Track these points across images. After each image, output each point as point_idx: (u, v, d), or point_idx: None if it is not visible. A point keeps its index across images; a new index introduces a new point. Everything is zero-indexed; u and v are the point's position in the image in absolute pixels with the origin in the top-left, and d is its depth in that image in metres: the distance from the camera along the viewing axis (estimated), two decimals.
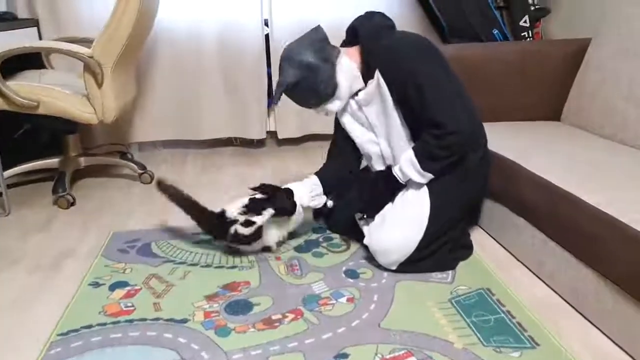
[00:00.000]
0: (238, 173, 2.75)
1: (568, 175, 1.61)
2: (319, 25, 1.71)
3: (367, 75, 1.70)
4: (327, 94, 1.68)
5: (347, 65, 1.69)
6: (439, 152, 1.61)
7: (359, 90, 1.73)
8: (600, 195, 1.45)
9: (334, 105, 1.73)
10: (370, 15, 1.74)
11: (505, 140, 1.95)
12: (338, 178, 1.93)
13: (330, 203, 1.92)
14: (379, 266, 1.74)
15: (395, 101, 1.66)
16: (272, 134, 3.21)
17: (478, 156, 1.73)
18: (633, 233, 1.28)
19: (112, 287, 1.64)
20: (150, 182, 2.58)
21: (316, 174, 1.92)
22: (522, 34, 2.55)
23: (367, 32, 1.69)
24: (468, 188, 1.77)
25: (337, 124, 1.92)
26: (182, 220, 2.12)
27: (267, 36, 2.96)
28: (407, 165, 1.66)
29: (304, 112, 3.05)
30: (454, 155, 1.62)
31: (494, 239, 1.97)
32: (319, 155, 2.91)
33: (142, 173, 2.57)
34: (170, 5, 2.79)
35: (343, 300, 1.58)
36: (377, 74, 1.66)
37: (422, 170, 1.64)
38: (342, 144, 1.92)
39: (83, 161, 2.52)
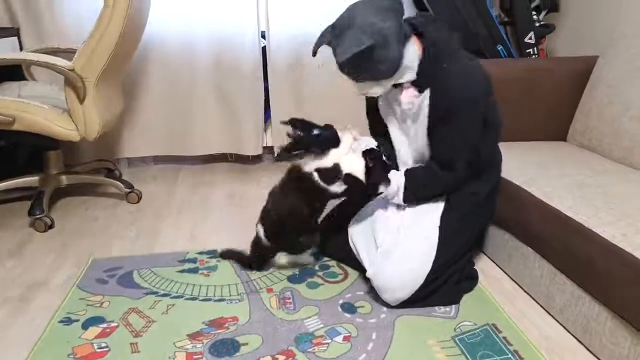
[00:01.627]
0: (232, 191, 2.63)
1: (579, 203, 1.50)
2: None
3: (416, 83, 1.55)
4: (386, 74, 1.47)
5: (413, 54, 1.50)
6: (431, 189, 1.62)
7: (401, 84, 1.57)
8: (614, 228, 1.35)
9: (381, 89, 1.54)
10: (439, 23, 1.57)
11: (511, 163, 1.84)
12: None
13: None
14: (378, 298, 1.62)
15: (428, 126, 1.56)
16: (269, 150, 3.10)
17: (491, 186, 1.66)
18: None
19: (86, 324, 1.52)
20: (138, 202, 2.46)
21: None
22: (528, 51, 2.46)
23: (434, 43, 1.51)
24: (478, 219, 1.69)
25: (372, 115, 1.80)
26: (171, 244, 2.02)
27: (263, 49, 2.86)
28: (392, 189, 1.63)
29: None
30: (439, 191, 1.64)
31: (500, 267, 1.86)
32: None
33: (129, 192, 2.45)
34: (161, 15, 2.69)
35: (339, 339, 1.46)
36: (427, 92, 1.53)
37: (401, 201, 1.64)
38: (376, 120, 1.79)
39: (65, 179, 2.39)
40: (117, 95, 2.40)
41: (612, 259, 1.29)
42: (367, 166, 1.61)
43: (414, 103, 1.56)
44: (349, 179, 1.62)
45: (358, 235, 1.74)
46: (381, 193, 1.64)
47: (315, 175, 1.64)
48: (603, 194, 1.55)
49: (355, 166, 1.62)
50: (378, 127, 1.78)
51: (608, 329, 1.33)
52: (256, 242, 1.79)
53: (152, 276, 1.78)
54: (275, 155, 1.72)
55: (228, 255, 1.89)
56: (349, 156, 1.63)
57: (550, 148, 2.07)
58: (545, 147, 2.08)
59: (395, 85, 1.57)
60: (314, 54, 1.53)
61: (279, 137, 3.00)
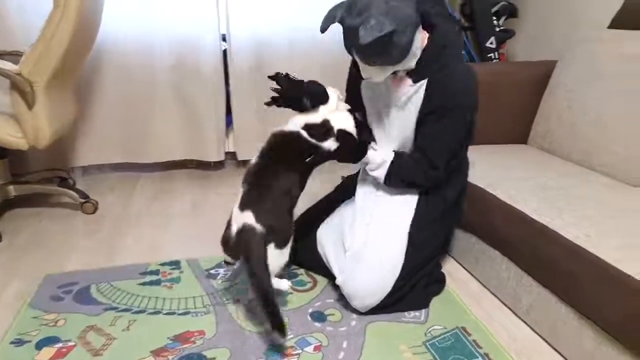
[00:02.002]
0: (193, 199, 2.56)
1: (542, 205, 1.52)
2: None
3: (411, 73, 1.52)
4: (395, 60, 1.41)
5: (419, 42, 1.47)
6: (414, 176, 1.59)
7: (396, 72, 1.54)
8: (577, 229, 1.37)
9: (384, 75, 1.48)
10: (448, 18, 1.57)
11: (475, 166, 1.85)
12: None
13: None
14: (348, 305, 1.60)
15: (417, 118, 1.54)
16: (232, 155, 3.04)
17: (459, 191, 1.68)
18: (615, 273, 1.20)
19: (40, 345, 1.42)
20: (94, 212, 2.35)
21: None
22: (489, 55, 2.49)
23: (440, 38, 1.49)
24: (446, 224, 1.70)
25: (352, 90, 1.75)
26: (131, 256, 1.94)
27: (224, 52, 2.80)
28: (378, 168, 1.61)
29: (266, 131, 2.91)
30: (419, 183, 1.62)
31: (467, 270, 1.87)
32: None
33: (85, 202, 2.34)
34: (117, 17, 2.59)
35: (309, 349, 1.43)
36: (423, 85, 1.51)
37: (383, 183, 1.62)
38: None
39: (13, 190, 2.26)
40: (69, 100, 2.29)
41: (576, 259, 1.31)
42: (356, 123, 1.57)
43: (406, 92, 1.54)
44: (342, 134, 1.55)
45: (326, 240, 1.71)
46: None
47: (304, 133, 1.54)
48: (565, 196, 1.57)
49: (346, 122, 1.56)
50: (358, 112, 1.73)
51: (574, 329, 1.35)
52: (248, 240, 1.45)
53: (112, 290, 1.70)
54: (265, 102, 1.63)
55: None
56: (338, 113, 1.58)
57: (512, 151, 2.10)
58: (507, 150, 2.11)
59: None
60: (323, 30, 1.44)
61: (241, 142, 2.95)
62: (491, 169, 1.85)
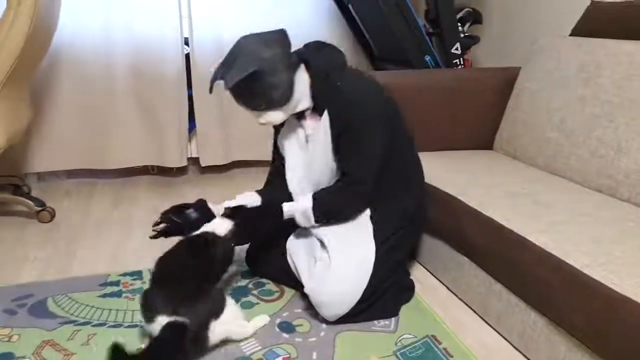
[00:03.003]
0: (154, 206, 2.47)
1: (511, 212, 1.53)
2: (284, 30, 1.51)
3: (314, 109, 1.57)
4: (280, 101, 1.48)
5: (304, 81, 1.53)
6: (343, 206, 1.60)
7: (304, 112, 1.59)
8: (546, 235, 1.37)
9: (278, 116, 1.53)
10: (322, 46, 1.60)
11: (442, 172, 1.87)
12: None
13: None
14: (317, 315, 1.57)
15: (332, 145, 1.55)
16: (195, 161, 2.97)
17: (418, 197, 1.67)
18: (585, 280, 1.20)
19: None
20: (50, 221, 2.25)
21: (258, 192, 1.73)
22: (454, 61, 2.51)
23: (318, 66, 1.54)
24: (412, 232, 1.69)
25: (276, 147, 1.76)
26: (90, 266, 1.86)
27: (187, 55, 2.74)
28: (300, 214, 1.59)
29: (229, 137, 2.90)
30: (351, 209, 1.62)
31: (435, 276, 1.86)
32: (246, 183, 2.72)
33: (41, 210, 2.23)
34: (75, 19, 2.50)
35: None
36: (326, 114, 1.53)
37: (314, 223, 1.60)
38: (281, 169, 1.73)
39: None
40: (24, 104, 2.19)
41: (546, 266, 1.31)
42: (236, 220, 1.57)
43: (316, 127, 1.57)
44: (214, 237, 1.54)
45: (297, 250, 1.67)
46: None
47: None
48: (533, 202, 1.58)
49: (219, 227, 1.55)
50: (278, 159, 1.75)
51: (544, 335, 1.36)
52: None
53: (70, 303, 1.62)
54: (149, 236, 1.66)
55: None
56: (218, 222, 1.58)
57: (477, 157, 2.12)
58: (473, 156, 2.12)
59: (298, 115, 1.59)
60: (210, 90, 1.53)
61: (204, 147, 2.89)
62: (458, 175, 1.85)
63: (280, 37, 1.48)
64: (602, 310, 1.15)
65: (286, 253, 1.71)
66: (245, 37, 1.48)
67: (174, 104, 2.77)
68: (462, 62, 2.55)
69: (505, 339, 1.52)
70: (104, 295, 1.67)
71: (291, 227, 1.74)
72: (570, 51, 1.92)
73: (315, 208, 1.56)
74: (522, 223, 1.45)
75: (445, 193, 1.75)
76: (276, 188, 1.73)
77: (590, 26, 1.98)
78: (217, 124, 2.88)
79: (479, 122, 2.26)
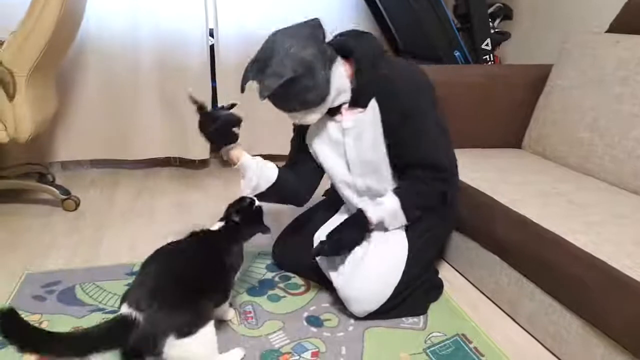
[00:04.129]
0: (177, 198, 2.47)
1: (545, 211, 1.50)
2: (318, 20, 1.46)
3: (356, 101, 1.51)
4: (315, 102, 1.44)
5: (341, 76, 1.48)
6: (428, 197, 1.54)
7: (339, 108, 1.53)
8: (584, 236, 1.35)
9: (314, 116, 1.50)
10: (360, 34, 1.55)
11: (472, 169, 1.84)
12: (292, 189, 1.66)
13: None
14: (344, 310, 1.55)
15: (385, 136, 1.50)
16: (217, 154, 2.96)
17: (453, 193, 1.63)
18: (626, 281, 1.18)
19: None
20: (75, 209, 2.25)
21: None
22: (484, 57, 2.48)
23: (364, 55, 1.49)
24: (444, 228, 1.67)
25: (298, 142, 1.69)
26: (115, 255, 1.86)
27: (211, 47, 2.73)
28: (390, 217, 1.53)
29: (253, 130, 2.88)
30: (437, 198, 1.56)
31: (463, 275, 1.83)
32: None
33: (66, 199, 2.24)
34: (102, 10, 2.50)
35: (307, 355, 1.37)
36: (374, 103, 1.48)
37: (406, 222, 1.54)
38: (302, 166, 1.68)
39: None
40: (51, 93, 2.20)
41: (585, 266, 1.28)
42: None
43: (358, 120, 1.52)
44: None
45: None
46: None
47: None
48: (567, 202, 1.56)
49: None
50: (298, 155, 1.70)
51: (580, 337, 1.33)
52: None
53: (97, 291, 1.62)
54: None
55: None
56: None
57: (506, 155, 2.09)
58: (501, 155, 2.09)
59: (331, 111, 1.53)
60: (242, 90, 1.48)
61: None
62: (489, 172, 1.82)
63: (315, 31, 1.43)
64: None
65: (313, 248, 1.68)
66: (279, 34, 1.42)
67: (198, 96, 2.75)
68: (492, 58, 2.51)
69: (537, 339, 1.49)
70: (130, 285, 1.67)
71: (318, 221, 1.73)
72: (607, 48, 1.88)
73: (404, 206, 1.52)
74: (558, 222, 1.43)
75: (475, 190, 1.72)
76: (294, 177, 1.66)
77: (628, 23, 1.93)
78: (240, 115, 2.87)
79: (508, 119, 2.23)
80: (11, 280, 1.66)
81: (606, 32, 2.01)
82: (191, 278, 1.24)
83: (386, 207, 1.52)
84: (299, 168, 1.67)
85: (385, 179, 1.56)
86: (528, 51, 2.69)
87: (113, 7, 2.53)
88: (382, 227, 1.56)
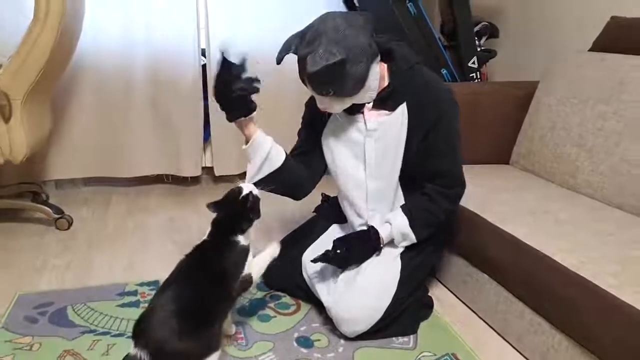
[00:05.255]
0: (170, 215, 2.49)
1: (533, 230, 1.52)
2: (370, 14, 1.45)
3: (384, 103, 1.51)
4: (351, 92, 1.42)
5: (376, 74, 1.46)
6: (436, 214, 1.57)
7: (360, 107, 1.52)
8: (571, 255, 1.36)
9: (342, 105, 1.47)
10: (397, 41, 1.55)
11: None
12: (295, 179, 1.63)
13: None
14: (334, 330, 1.56)
15: (411, 142, 1.52)
16: (209, 171, 2.98)
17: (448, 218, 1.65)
18: (614, 302, 1.19)
19: None
20: (68, 228, 2.26)
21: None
22: (471, 75, 2.51)
23: (403, 58, 1.50)
24: (438, 248, 1.68)
25: (306, 135, 1.69)
26: (107, 275, 1.87)
27: (203, 67, 2.76)
28: (399, 236, 1.56)
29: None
30: (444, 215, 1.58)
31: (454, 293, 1.85)
32: (262, 194, 2.71)
33: (59, 218, 2.25)
34: (96, 30, 2.52)
35: None
36: (403, 107, 1.50)
37: (415, 240, 1.56)
38: (308, 157, 1.67)
39: None
40: (46, 113, 2.22)
41: (573, 286, 1.29)
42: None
43: (383, 122, 1.52)
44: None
45: (314, 266, 1.63)
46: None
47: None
48: (554, 220, 1.58)
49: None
50: (307, 146, 1.68)
51: (569, 356, 1.34)
52: None
53: (89, 312, 1.63)
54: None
55: None
56: None
57: (494, 172, 2.11)
58: (489, 171, 2.11)
59: (351, 109, 1.52)
60: (279, 61, 1.44)
61: (218, 157, 2.89)
62: (477, 189, 1.83)
63: (367, 23, 1.40)
64: (632, 332, 1.14)
65: (301, 269, 1.69)
66: (332, 16, 1.38)
67: (190, 114, 2.78)
68: (478, 76, 2.54)
69: (527, 358, 1.50)
70: (122, 305, 1.67)
71: (308, 241, 1.74)
72: (591, 66, 1.91)
73: (413, 225, 1.54)
74: (546, 241, 1.44)
75: (464, 208, 1.73)
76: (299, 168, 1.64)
77: (611, 41, 1.97)
78: (232, 134, 2.88)
79: (495, 136, 2.25)
80: (4, 301, 1.66)
81: (589, 50, 2.04)
82: (195, 311, 1.25)
83: (396, 225, 1.55)
84: (305, 160, 1.66)
85: (395, 184, 1.58)
86: (515, 69, 2.73)
87: (107, 27, 2.56)
88: (390, 245, 1.58)
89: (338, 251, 1.53)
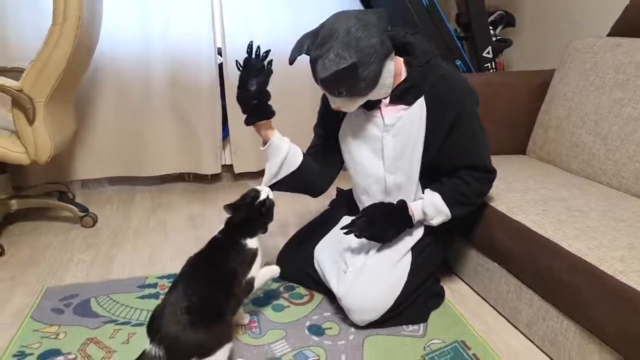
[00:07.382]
0: (190, 212, 2.55)
1: (543, 218, 1.52)
2: (382, 11, 1.43)
3: (401, 97, 1.51)
4: (363, 92, 1.42)
5: (390, 71, 1.46)
6: (475, 195, 1.57)
7: (377, 102, 1.53)
8: (579, 242, 1.36)
9: (355, 105, 1.48)
10: (415, 34, 1.55)
11: None
12: (313, 178, 1.65)
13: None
14: (346, 319, 1.59)
15: (432, 136, 1.52)
16: (228, 168, 3.04)
17: None
18: (619, 287, 1.19)
19: (42, 358, 1.42)
20: (93, 226, 2.35)
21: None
22: (486, 65, 2.50)
23: (421, 51, 1.49)
24: (449, 239, 1.69)
25: (322, 130, 1.71)
26: (129, 269, 1.94)
27: (220, 65, 2.82)
28: (431, 209, 1.55)
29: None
30: (480, 193, 1.59)
31: (465, 282, 1.86)
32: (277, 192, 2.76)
33: (84, 216, 2.34)
34: (114, 32, 2.61)
35: None
36: (422, 102, 1.50)
37: (450, 215, 1.55)
38: (325, 155, 1.69)
39: (15, 204, 2.27)
40: (69, 115, 2.30)
41: (579, 272, 1.30)
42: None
43: (401, 117, 1.52)
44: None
45: (325, 258, 1.69)
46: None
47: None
48: (566, 208, 1.57)
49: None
50: (323, 142, 1.70)
51: (577, 343, 1.34)
52: None
53: (111, 303, 1.70)
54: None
55: None
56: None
57: (510, 162, 2.10)
58: (505, 161, 2.10)
59: (367, 105, 1.53)
60: (292, 62, 1.45)
61: (237, 155, 2.95)
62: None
63: (380, 21, 1.39)
64: (637, 317, 1.14)
65: (314, 260, 1.73)
66: (344, 16, 1.38)
67: (208, 113, 2.84)
68: (494, 66, 2.53)
69: (536, 345, 1.51)
70: (143, 297, 1.74)
71: (320, 233, 1.77)
72: (607, 52, 1.89)
73: (446, 199, 1.53)
74: (554, 229, 1.44)
75: None
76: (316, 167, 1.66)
77: (629, 26, 1.93)
78: (250, 132, 2.91)
79: (512, 126, 2.24)
80: (31, 294, 1.76)
81: (607, 35, 2.01)
82: (206, 303, 1.30)
83: (428, 199, 1.55)
84: (322, 157, 1.68)
85: (416, 178, 1.58)
86: (532, 58, 2.70)
87: (125, 30, 2.63)
88: (421, 224, 1.59)
89: (363, 217, 1.54)
